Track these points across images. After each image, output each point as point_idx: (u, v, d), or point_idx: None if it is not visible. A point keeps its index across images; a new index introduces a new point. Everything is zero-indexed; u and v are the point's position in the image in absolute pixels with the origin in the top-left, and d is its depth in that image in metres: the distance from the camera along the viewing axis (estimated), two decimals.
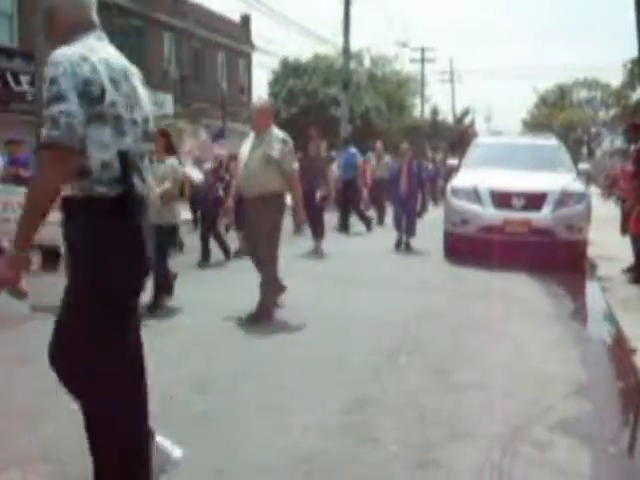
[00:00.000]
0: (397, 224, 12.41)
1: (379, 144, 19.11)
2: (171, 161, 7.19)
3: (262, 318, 6.61)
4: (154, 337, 6.08)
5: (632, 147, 9.29)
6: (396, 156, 14.19)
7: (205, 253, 10.39)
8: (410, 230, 12.22)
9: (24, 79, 18.31)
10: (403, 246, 12.18)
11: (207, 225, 10.49)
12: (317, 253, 11.43)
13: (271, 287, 6.81)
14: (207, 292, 8.21)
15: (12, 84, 18.24)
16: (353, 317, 6.91)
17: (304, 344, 5.93)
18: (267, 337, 6.13)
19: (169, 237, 7.23)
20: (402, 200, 12.27)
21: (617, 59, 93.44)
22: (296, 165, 6.88)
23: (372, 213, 16.84)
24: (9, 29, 19.54)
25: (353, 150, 16.22)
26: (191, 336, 6.19)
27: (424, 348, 5.84)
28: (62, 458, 3.66)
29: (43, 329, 5.77)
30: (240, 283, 7.98)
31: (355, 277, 9.32)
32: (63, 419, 4.17)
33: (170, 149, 7.30)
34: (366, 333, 6.27)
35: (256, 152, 6.67)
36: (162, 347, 5.76)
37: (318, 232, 11.66)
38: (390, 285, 8.83)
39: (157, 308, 7.04)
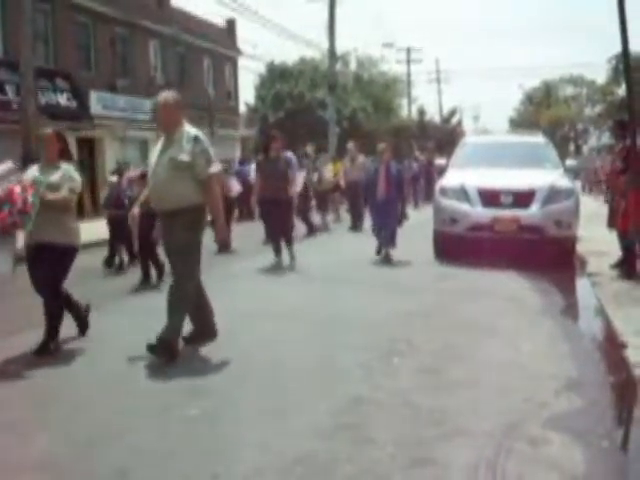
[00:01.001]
0: (376, 233, 11.14)
1: (351, 144, 17.97)
2: (66, 167, 6.04)
3: (164, 355, 5.42)
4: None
5: (619, 144, 9.36)
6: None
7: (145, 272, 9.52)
8: (390, 241, 10.83)
9: (9, 89, 18.26)
10: (382, 257, 10.88)
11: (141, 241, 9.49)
12: (291, 259, 10.59)
13: (181, 319, 5.65)
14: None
15: None
16: (343, 319, 6.91)
17: (296, 347, 5.94)
18: (258, 341, 6.12)
19: (63, 260, 5.92)
20: (380, 207, 10.88)
21: (601, 56, 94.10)
22: (216, 168, 5.71)
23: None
24: None
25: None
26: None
27: (416, 348, 5.85)
28: (59, 466, 3.65)
29: (35, 338, 5.78)
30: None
31: (343, 279, 9.34)
32: (59, 428, 4.17)
33: (65, 154, 6.17)
34: (357, 334, 6.28)
35: (164, 157, 5.62)
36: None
37: (288, 238, 10.73)
38: (379, 286, 8.84)
39: (45, 351, 5.80)
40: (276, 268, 10.28)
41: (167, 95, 5.80)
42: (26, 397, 4.78)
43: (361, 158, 17.65)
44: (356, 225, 16.12)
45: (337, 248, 13.19)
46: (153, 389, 4.89)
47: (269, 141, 11.00)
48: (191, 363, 5.50)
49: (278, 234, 10.68)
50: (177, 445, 3.87)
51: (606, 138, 53.47)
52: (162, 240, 6.10)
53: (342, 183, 17.76)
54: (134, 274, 9.73)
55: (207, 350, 5.86)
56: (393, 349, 5.78)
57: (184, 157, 5.51)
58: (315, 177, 16.91)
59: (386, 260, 10.68)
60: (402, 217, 11.05)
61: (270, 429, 4.09)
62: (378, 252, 11.08)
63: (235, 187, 13.88)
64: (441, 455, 3.69)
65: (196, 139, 5.58)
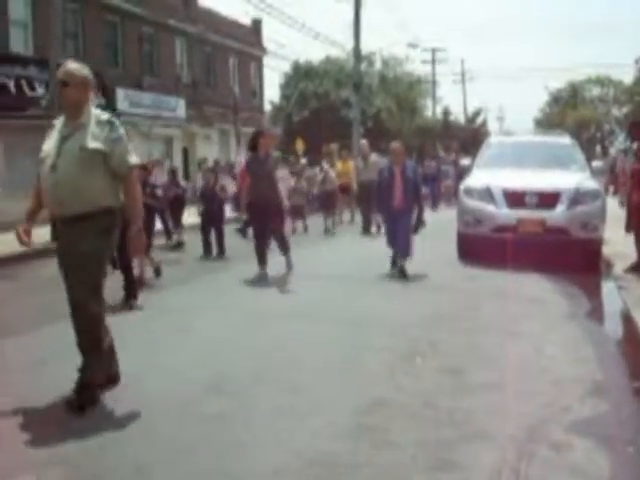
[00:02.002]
0: (390, 241, 9.83)
1: (364, 142, 17.17)
2: None
3: (87, 402, 4.38)
4: (168, 339, 6.13)
5: (636, 145, 9.27)
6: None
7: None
8: (405, 251, 9.51)
9: (39, 86, 18.45)
10: (397, 271, 9.46)
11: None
12: (288, 268, 9.72)
13: (96, 355, 4.47)
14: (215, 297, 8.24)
15: (27, 91, 18.39)
16: (366, 319, 6.90)
17: (318, 346, 5.93)
18: (280, 341, 6.13)
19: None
20: (395, 215, 9.65)
21: (629, 56, 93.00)
22: (135, 159, 4.60)
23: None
24: (24, 37, 19.72)
25: None
26: (205, 338, 6.21)
27: (439, 349, 5.83)
28: (74, 461, 3.68)
29: (57, 334, 5.83)
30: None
31: (365, 279, 9.32)
32: (77, 422, 4.20)
33: None
34: (380, 334, 6.26)
35: (67, 146, 4.41)
36: (175, 349, 5.81)
37: (283, 245, 9.81)
38: (402, 286, 8.82)
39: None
40: (262, 279, 9.27)
41: (73, 68, 4.54)
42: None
43: (374, 157, 16.58)
44: (366, 229, 15.46)
45: (353, 249, 13.17)
46: (171, 386, 4.91)
47: (257, 137, 9.69)
48: (209, 361, 5.52)
49: (264, 242, 9.61)
50: (194, 443, 3.88)
51: None
52: (59, 253, 4.57)
53: (354, 184, 16.52)
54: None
55: (227, 349, 5.88)
56: (415, 350, 5.76)
57: (98, 145, 4.39)
58: (320, 177, 16.77)
59: (401, 275, 9.27)
60: (419, 223, 9.75)
61: (288, 429, 4.08)
62: (393, 264, 9.70)
63: (230, 187, 13.87)
64: (463, 458, 3.67)
65: (111, 124, 4.51)
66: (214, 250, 12.02)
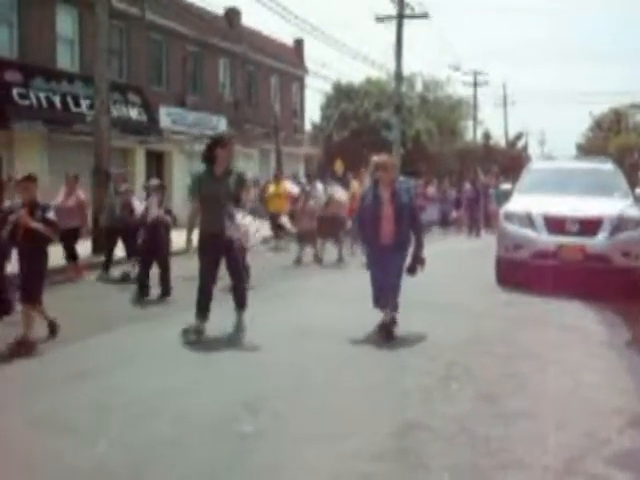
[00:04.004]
0: (376, 295, 7.23)
1: (364, 170, 15.19)
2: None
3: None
4: (210, 358, 6.17)
5: None
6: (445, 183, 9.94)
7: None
8: (392, 301, 7.13)
9: (84, 102, 18.84)
10: (380, 328, 7.06)
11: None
12: (238, 330, 7.22)
13: None
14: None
15: (72, 107, 18.79)
16: (403, 342, 6.86)
17: (354, 369, 5.93)
18: (317, 361, 6.13)
19: None
20: (381, 254, 7.16)
21: None
22: None
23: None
24: (71, 54, 20.18)
25: None
26: (244, 355, 6.24)
27: (475, 374, 5.77)
28: (117, 473, 3.72)
29: (101, 345, 5.91)
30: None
31: (405, 301, 9.25)
32: (116, 434, 4.25)
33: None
34: (416, 358, 6.23)
35: None
36: (215, 366, 5.85)
37: (239, 295, 7.37)
38: (441, 310, 8.76)
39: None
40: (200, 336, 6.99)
41: None
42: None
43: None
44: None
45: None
46: (210, 401, 4.93)
47: (214, 145, 7.32)
48: (247, 378, 5.54)
49: (210, 287, 7.22)
50: (229, 461, 3.90)
51: None
52: None
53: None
54: None
55: (264, 366, 5.90)
56: (452, 375, 5.72)
57: None
58: (323, 200, 13.98)
59: (383, 333, 6.98)
60: (416, 262, 7.27)
61: (323, 450, 4.08)
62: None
63: (138, 208, 10.68)
64: None
65: None
66: (152, 289, 9.53)
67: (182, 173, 23.03)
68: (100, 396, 4.98)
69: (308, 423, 4.52)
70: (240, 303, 7.35)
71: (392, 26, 29.25)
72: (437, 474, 3.75)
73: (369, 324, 7.08)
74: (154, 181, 10.51)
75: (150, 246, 9.64)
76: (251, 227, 7.71)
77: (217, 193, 7.13)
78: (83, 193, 11.67)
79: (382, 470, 3.80)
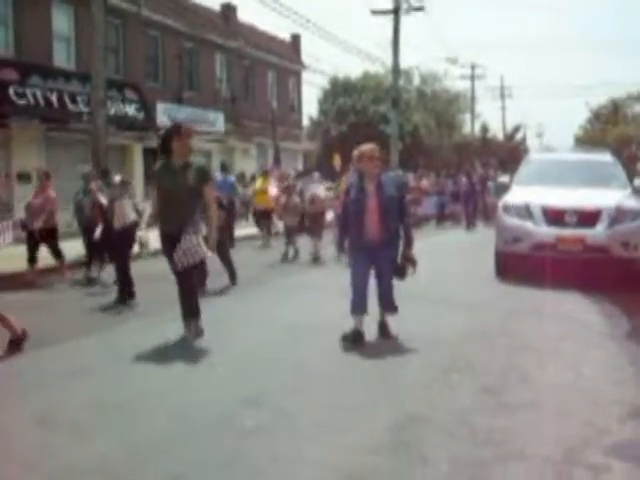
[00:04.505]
0: (356, 300, 6.59)
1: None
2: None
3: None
4: (207, 353, 6.17)
5: None
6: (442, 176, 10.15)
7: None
8: (386, 303, 6.76)
9: (80, 100, 18.81)
10: (377, 331, 6.79)
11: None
12: (192, 335, 6.63)
13: None
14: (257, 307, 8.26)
15: (69, 105, 18.76)
16: (403, 335, 6.85)
17: (354, 362, 5.92)
18: (316, 355, 6.13)
19: None
20: (368, 252, 6.63)
21: None
22: None
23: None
24: (67, 52, 20.16)
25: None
26: (244, 351, 6.24)
27: (475, 366, 5.77)
28: (116, 471, 3.72)
29: (96, 344, 5.91)
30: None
31: (405, 294, 9.25)
32: (116, 432, 4.25)
33: None
34: (417, 351, 6.23)
35: None
36: (215, 362, 5.84)
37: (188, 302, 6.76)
38: (440, 302, 8.75)
39: None
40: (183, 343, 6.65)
41: None
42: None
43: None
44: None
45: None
46: (210, 397, 4.93)
47: (169, 136, 6.83)
48: (249, 373, 5.54)
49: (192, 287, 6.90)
50: (231, 456, 3.90)
51: None
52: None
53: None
54: None
55: (265, 361, 5.90)
56: (452, 367, 5.71)
57: None
58: (307, 197, 14.10)
59: (382, 333, 6.78)
60: (406, 263, 6.73)
61: (325, 443, 4.08)
62: (355, 340, 6.47)
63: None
64: (498, 478, 3.63)
65: None
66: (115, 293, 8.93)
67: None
68: (99, 394, 4.98)
69: (309, 418, 4.52)
70: (187, 309, 6.72)
71: (389, 19, 29.21)
72: (437, 466, 3.75)
73: (368, 320, 7.06)
74: (117, 177, 9.81)
75: (124, 250, 9.02)
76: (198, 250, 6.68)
77: (175, 187, 6.63)
78: (54, 191, 10.96)
79: (383, 463, 3.80)
